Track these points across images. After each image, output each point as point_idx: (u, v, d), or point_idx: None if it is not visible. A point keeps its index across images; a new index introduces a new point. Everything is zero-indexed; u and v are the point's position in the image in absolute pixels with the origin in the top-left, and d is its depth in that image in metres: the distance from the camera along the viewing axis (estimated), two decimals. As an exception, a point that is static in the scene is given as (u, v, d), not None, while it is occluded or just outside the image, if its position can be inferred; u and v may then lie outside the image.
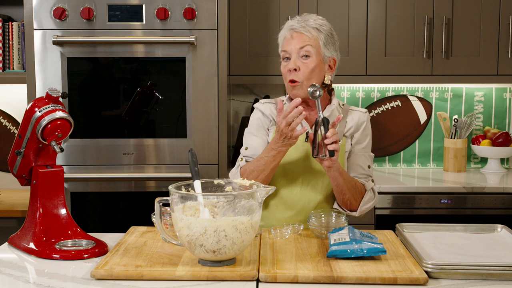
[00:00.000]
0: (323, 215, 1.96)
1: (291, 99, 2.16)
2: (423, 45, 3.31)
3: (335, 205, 2.13)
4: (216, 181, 1.76)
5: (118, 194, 3.07)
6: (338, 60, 2.15)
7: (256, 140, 2.17)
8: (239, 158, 2.18)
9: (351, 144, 2.16)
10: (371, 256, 1.68)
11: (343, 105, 2.21)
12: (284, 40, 2.11)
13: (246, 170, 2.07)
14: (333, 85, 3.63)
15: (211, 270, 1.57)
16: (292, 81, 2.07)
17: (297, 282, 1.54)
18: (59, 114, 1.82)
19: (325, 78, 2.12)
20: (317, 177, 2.10)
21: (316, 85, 1.97)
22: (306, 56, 2.06)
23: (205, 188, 1.73)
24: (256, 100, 3.52)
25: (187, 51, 2.98)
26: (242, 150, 2.19)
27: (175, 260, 1.66)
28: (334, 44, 2.12)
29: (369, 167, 2.17)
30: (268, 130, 2.19)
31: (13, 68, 3.26)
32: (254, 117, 2.22)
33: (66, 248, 1.77)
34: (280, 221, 2.09)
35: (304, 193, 2.11)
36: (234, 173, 2.14)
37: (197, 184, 1.70)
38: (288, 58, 2.09)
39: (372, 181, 2.15)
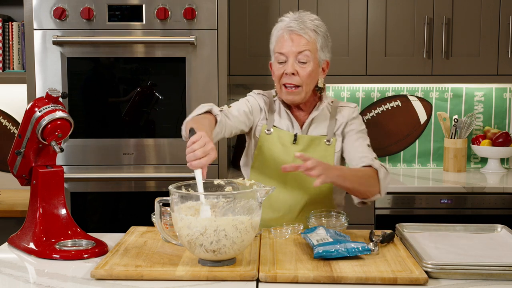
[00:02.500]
0: (323, 215, 1.96)
1: (281, 99, 2.14)
2: (423, 45, 3.31)
3: (356, 201, 2.05)
4: (216, 181, 1.76)
5: (118, 194, 3.07)
6: (330, 61, 2.13)
7: (236, 114, 2.10)
8: (219, 107, 2.07)
9: (343, 142, 2.13)
10: (368, 256, 1.69)
11: (332, 102, 2.18)
12: (280, 40, 2.05)
13: (187, 126, 1.93)
14: (333, 85, 3.65)
15: (211, 270, 1.57)
16: (289, 85, 2.03)
17: (297, 282, 1.54)
18: (59, 114, 1.82)
19: (319, 82, 2.10)
20: (304, 178, 2.06)
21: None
22: (304, 61, 2.02)
23: (205, 188, 1.73)
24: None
25: (187, 51, 2.98)
26: (225, 106, 2.11)
27: (175, 260, 1.66)
28: (328, 46, 2.10)
29: (368, 145, 2.11)
30: (255, 123, 2.14)
31: (13, 68, 3.26)
32: (245, 100, 2.18)
33: (66, 248, 1.77)
34: (266, 223, 2.07)
35: (291, 194, 2.09)
36: (195, 111, 2.02)
37: (197, 172, 1.68)
38: (283, 61, 2.04)
39: (375, 158, 2.07)
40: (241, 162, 2.25)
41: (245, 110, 2.13)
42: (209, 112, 2.01)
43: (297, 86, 2.04)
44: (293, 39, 2.02)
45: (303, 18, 2.04)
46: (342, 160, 2.16)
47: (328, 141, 2.10)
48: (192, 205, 1.63)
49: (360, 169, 1.99)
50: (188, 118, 2.01)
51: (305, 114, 2.14)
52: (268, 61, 2.17)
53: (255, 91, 2.23)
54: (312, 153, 2.08)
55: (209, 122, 1.93)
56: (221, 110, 2.06)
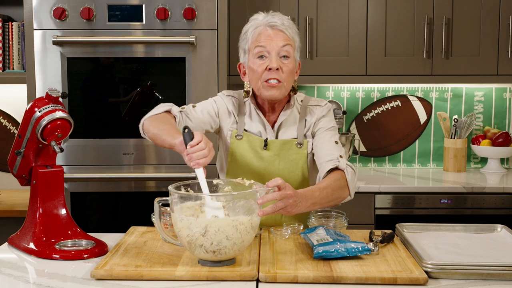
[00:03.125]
0: (323, 215, 1.96)
1: (255, 100, 2.09)
2: (423, 45, 3.31)
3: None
4: (215, 181, 1.76)
5: (118, 194, 3.07)
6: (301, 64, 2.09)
7: (199, 115, 2.07)
8: (179, 108, 2.05)
9: (313, 142, 2.08)
10: (368, 256, 1.69)
11: (301, 101, 2.12)
12: (260, 35, 1.97)
13: (150, 125, 1.94)
14: (333, 85, 3.65)
15: (211, 270, 1.57)
16: (273, 80, 1.96)
17: (297, 282, 1.54)
18: (59, 114, 1.82)
19: (294, 83, 2.06)
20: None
21: None
22: (286, 56, 1.97)
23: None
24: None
25: (187, 51, 2.98)
26: (190, 106, 2.10)
27: (175, 260, 1.66)
28: (299, 48, 2.05)
29: (336, 142, 2.03)
30: (224, 127, 2.11)
31: (13, 68, 3.26)
32: (212, 101, 2.13)
33: (66, 248, 1.77)
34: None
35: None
36: (154, 110, 2.02)
37: (200, 171, 1.68)
38: (264, 56, 1.97)
39: (341, 156, 1.98)
40: (217, 166, 2.23)
41: (209, 111, 2.10)
42: (168, 112, 2.02)
43: (279, 81, 1.98)
44: (275, 33, 1.97)
45: (279, 15, 2.01)
46: (315, 162, 2.08)
47: (300, 144, 2.06)
48: (192, 205, 1.63)
49: (329, 182, 1.88)
50: (146, 117, 2.01)
51: (277, 116, 2.09)
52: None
53: (224, 92, 2.17)
54: (285, 157, 2.05)
55: (170, 121, 1.95)
56: (181, 111, 2.05)
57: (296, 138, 2.07)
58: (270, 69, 1.96)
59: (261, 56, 1.98)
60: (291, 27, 2.01)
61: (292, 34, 2.00)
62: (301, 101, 2.12)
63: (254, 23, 2.02)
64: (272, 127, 2.08)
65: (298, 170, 2.06)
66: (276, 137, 2.08)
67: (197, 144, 1.68)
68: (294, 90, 2.08)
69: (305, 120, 2.09)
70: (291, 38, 1.99)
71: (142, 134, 2.03)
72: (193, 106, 2.11)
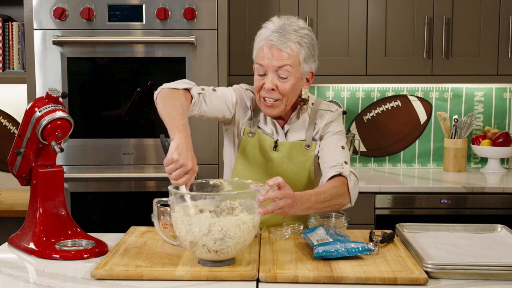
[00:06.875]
0: (323, 215, 1.96)
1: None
2: (423, 45, 3.31)
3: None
4: (212, 182, 1.76)
5: (118, 194, 3.07)
6: (315, 70, 2.03)
7: (215, 102, 2.02)
8: (198, 87, 1.98)
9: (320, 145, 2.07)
10: (368, 256, 1.69)
11: (312, 104, 2.11)
12: (260, 52, 1.93)
13: (162, 100, 1.86)
14: (333, 85, 3.65)
15: (211, 270, 1.57)
16: (269, 99, 1.96)
17: (297, 282, 1.54)
18: (59, 114, 1.82)
19: (302, 93, 2.02)
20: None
21: None
22: (284, 76, 1.93)
23: (202, 188, 1.74)
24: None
25: (187, 51, 2.98)
26: (210, 88, 2.03)
27: (175, 260, 1.66)
28: (314, 55, 1.99)
29: (342, 147, 2.02)
30: (239, 121, 2.07)
31: (13, 68, 3.26)
32: (231, 91, 2.08)
33: (66, 248, 1.77)
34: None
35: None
36: (174, 84, 1.94)
37: (182, 188, 1.68)
38: (264, 74, 1.94)
39: (346, 162, 1.98)
40: (224, 159, 2.19)
41: (227, 100, 2.05)
42: (187, 90, 1.94)
43: (276, 100, 1.96)
44: (273, 53, 1.90)
45: (286, 28, 1.91)
46: None
47: (308, 145, 2.05)
48: (193, 204, 1.63)
49: (327, 188, 1.88)
50: (164, 86, 1.92)
51: (286, 120, 2.08)
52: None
53: (242, 85, 2.13)
54: (293, 159, 2.05)
55: (184, 102, 1.87)
56: (200, 92, 1.97)
57: (304, 140, 2.07)
58: (265, 88, 1.95)
59: (260, 73, 1.96)
60: (298, 40, 1.92)
61: (297, 48, 1.92)
62: (312, 104, 2.11)
63: (261, 33, 1.96)
64: (282, 128, 2.08)
65: (305, 172, 2.06)
66: (285, 138, 2.07)
67: (170, 164, 1.64)
68: (305, 100, 2.04)
69: (315, 124, 2.08)
70: (294, 54, 1.91)
71: (155, 102, 1.94)
72: (214, 90, 2.04)
